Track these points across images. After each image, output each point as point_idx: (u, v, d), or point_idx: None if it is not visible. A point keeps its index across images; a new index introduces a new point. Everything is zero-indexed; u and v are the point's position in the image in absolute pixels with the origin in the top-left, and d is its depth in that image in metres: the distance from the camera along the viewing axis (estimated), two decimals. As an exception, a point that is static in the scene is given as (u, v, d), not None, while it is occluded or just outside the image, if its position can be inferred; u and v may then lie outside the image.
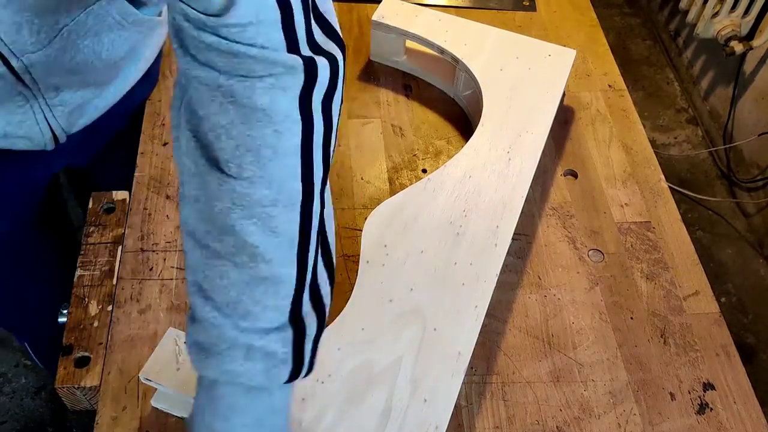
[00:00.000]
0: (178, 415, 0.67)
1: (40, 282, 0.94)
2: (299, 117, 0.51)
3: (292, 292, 0.53)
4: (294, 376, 0.53)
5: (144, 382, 0.64)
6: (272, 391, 0.53)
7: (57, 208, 0.98)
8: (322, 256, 0.55)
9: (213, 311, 0.51)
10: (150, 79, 0.92)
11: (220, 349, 0.51)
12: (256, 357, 0.51)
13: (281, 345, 0.52)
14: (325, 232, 0.55)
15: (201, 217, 0.52)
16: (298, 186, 0.52)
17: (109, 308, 0.75)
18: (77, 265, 0.79)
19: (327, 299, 0.56)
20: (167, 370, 0.64)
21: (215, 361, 0.51)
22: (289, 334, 0.52)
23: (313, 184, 0.53)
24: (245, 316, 0.51)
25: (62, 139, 0.77)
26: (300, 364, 0.53)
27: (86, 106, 0.77)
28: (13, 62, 0.64)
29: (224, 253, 0.51)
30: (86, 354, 0.72)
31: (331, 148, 0.55)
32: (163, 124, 0.93)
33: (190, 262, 0.53)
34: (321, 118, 0.53)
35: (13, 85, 0.66)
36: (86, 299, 0.76)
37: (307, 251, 0.53)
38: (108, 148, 0.94)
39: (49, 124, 0.73)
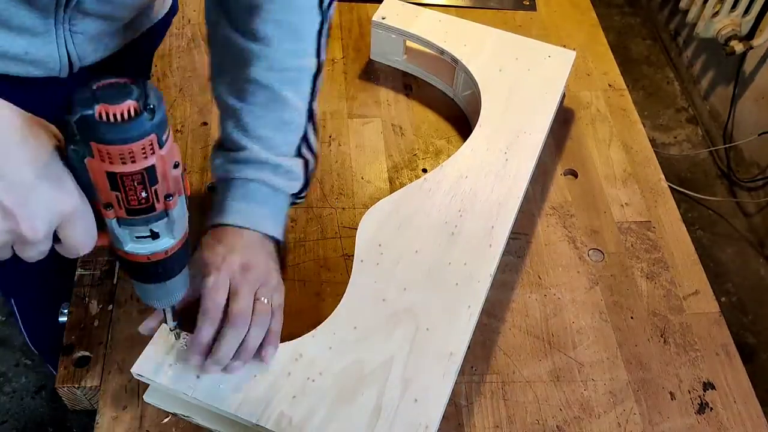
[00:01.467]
0: (170, 411, 0.67)
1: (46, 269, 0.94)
2: (319, 12, 0.73)
3: (302, 134, 0.74)
4: (301, 191, 0.75)
5: (136, 377, 0.64)
6: (286, 196, 0.73)
7: None
8: (315, 115, 0.76)
9: (250, 142, 0.71)
10: (157, 32, 0.97)
11: (256, 164, 0.71)
12: (280, 172, 0.72)
13: (297, 167, 0.74)
14: (316, 97, 0.77)
15: (235, 84, 0.73)
16: (314, 61, 0.74)
17: (110, 308, 0.76)
18: (77, 264, 0.79)
19: (314, 144, 0.77)
20: (160, 366, 0.64)
21: (253, 169, 0.71)
22: (300, 161, 0.74)
23: (321, 61, 0.75)
24: (272, 147, 0.72)
25: (76, 67, 0.79)
26: (306, 184, 0.75)
27: (104, 37, 0.80)
28: None
29: (261, 103, 0.72)
30: (86, 353, 0.72)
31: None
32: (164, 124, 0.93)
33: (230, 112, 0.73)
34: (328, 13, 0.75)
35: (50, 4, 0.69)
36: (87, 299, 0.76)
37: (312, 108, 0.75)
38: None
39: (67, 50, 0.76)
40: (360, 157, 0.93)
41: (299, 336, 0.68)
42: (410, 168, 0.92)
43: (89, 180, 0.47)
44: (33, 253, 0.48)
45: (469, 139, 0.87)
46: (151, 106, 0.45)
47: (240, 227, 0.69)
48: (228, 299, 0.65)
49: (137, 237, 0.51)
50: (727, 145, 2.02)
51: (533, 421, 0.70)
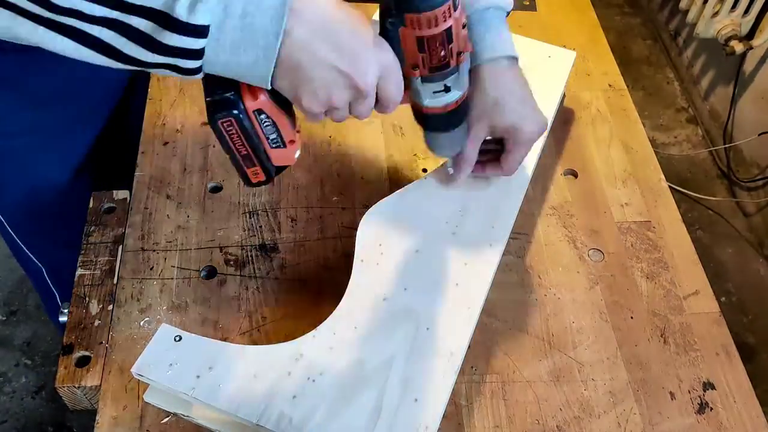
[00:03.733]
0: (171, 411, 0.67)
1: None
2: None
3: None
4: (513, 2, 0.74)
5: (136, 377, 0.64)
6: (505, 13, 0.74)
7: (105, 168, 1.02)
8: None
9: None
10: None
11: None
12: None
13: None
14: None
15: None
16: None
17: (110, 308, 0.76)
18: (78, 264, 0.79)
19: None
20: (159, 365, 0.64)
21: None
22: None
23: None
24: None
25: None
26: None
27: None
28: None
29: None
30: (87, 353, 0.72)
31: None
32: (164, 124, 0.93)
33: None
34: None
35: None
36: (87, 298, 0.76)
37: None
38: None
39: None
40: (360, 158, 0.93)
41: (299, 336, 0.68)
42: (410, 168, 0.92)
43: (399, 47, 0.59)
44: (364, 109, 0.61)
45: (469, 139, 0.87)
46: None
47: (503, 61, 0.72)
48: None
49: (434, 92, 0.63)
50: (727, 145, 2.02)
51: (533, 421, 0.70)
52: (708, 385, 0.75)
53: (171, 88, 0.98)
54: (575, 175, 0.93)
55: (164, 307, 0.76)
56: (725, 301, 1.80)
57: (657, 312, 0.80)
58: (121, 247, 0.81)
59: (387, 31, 0.59)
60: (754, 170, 1.94)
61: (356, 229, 0.76)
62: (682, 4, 2.03)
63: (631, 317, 0.79)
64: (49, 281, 1.12)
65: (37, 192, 0.95)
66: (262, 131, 0.60)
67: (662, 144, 2.14)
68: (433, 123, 0.67)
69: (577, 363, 0.75)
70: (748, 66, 1.93)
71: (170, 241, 0.81)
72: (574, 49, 0.99)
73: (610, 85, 1.05)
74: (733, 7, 1.85)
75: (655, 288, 0.82)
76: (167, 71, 0.54)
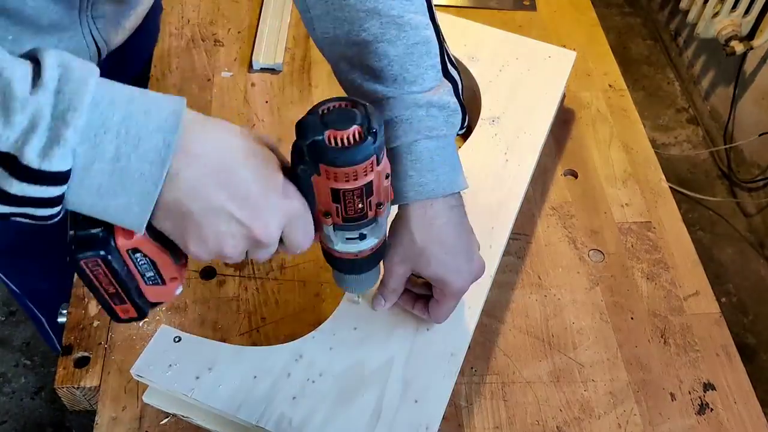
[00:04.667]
0: (170, 412, 0.67)
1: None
2: None
3: (438, 49, 0.62)
4: (462, 122, 0.63)
5: (135, 377, 0.64)
6: (450, 139, 0.62)
7: None
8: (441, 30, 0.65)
9: (384, 88, 0.60)
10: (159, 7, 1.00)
11: (405, 116, 0.59)
12: (434, 111, 0.60)
13: (449, 96, 0.61)
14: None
15: (338, 23, 0.60)
16: None
17: (109, 308, 0.75)
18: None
19: (453, 56, 0.66)
20: (159, 366, 0.64)
21: (407, 126, 0.60)
22: (449, 86, 0.62)
23: None
24: (413, 82, 0.60)
25: (103, 53, 0.79)
26: (463, 111, 0.63)
27: (121, 19, 0.80)
28: None
29: (374, 38, 0.59)
30: (86, 354, 0.72)
31: None
32: (163, 124, 0.93)
33: (346, 63, 0.62)
34: None
35: None
36: (86, 299, 0.76)
37: (434, 14, 0.64)
38: None
39: (93, 37, 0.75)
40: (360, 158, 0.92)
41: (299, 337, 0.67)
42: (410, 168, 0.92)
43: (312, 193, 0.52)
44: (265, 256, 0.53)
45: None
46: (374, 130, 0.49)
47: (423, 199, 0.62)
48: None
49: (347, 239, 0.57)
50: (727, 146, 2.02)
51: (533, 421, 0.70)
52: (708, 386, 0.74)
53: (171, 89, 0.98)
54: (575, 175, 0.93)
55: (164, 308, 0.76)
56: (725, 301, 1.80)
57: (657, 313, 0.80)
58: (120, 247, 0.80)
59: (297, 176, 0.51)
60: (755, 170, 1.94)
61: (356, 230, 0.75)
62: (683, 4, 2.03)
63: (632, 318, 0.79)
64: (32, 306, 1.11)
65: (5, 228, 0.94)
66: (137, 270, 0.51)
67: (662, 144, 2.14)
68: (344, 267, 0.61)
69: (578, 364, 0.75)
70: (749, 66, 1.93)
71: (170, 242, 0.81)
72: (574, 49, 0.99)
73: (610, 85, 1.05)
74: (734, 7, 1.85)
75: (656, 289, 0.82)
76: (18, 218, 0.44)
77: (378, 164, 0.51)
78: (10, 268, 1.01)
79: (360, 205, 0.52)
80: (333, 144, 0.49)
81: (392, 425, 0.62)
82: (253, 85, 0.99)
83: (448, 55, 0.64)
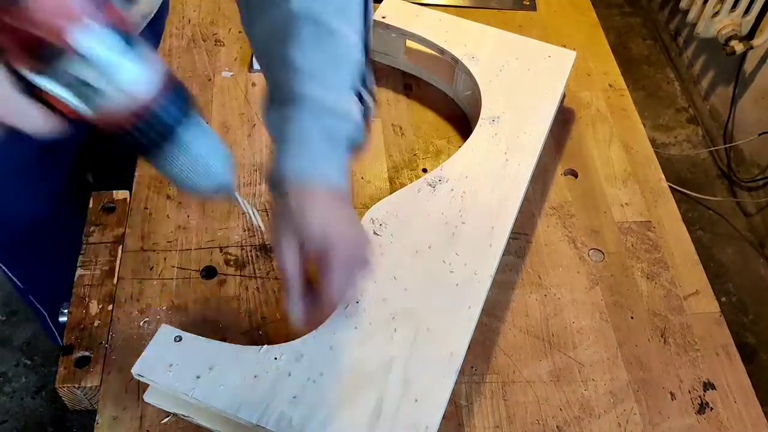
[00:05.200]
0: (171, 411, 0.67)
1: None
2: None
3: (358, 69, 0.63)
4: (356, 142, 0.63)
5: (136, 377, 0.64)
6: (342, 142, 0.61)
7: (83, 187, 1.00)
8: (369, 51, 0.66)
9: (304, 86, 0.59)
10: (157, 35, 1.00)
11: (314, 109, 0.60)
12: (340, 117, 0.61)
13: (357, 112, 0.62)
14: (370, 29, 0.66)
15: (273, 27, 0.61)
16: None
17: (110, 308, 0.76)
18: (78, 264, 0.79)
19: (372, 84, 0.66)
20: (159, 366, 0.64)
21: (309, 116, 0.59)
22: (359, 106, 0.63)
23: None
24: (331, 88, 0.60)
25: None
26: (365, 134, 0.64)
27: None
28: None
29: (307, 43, 0.60)
30: (86, 354, 0.72)
31: None
32: (164, 124, 0.93)
33: (273, 57, 0.62)
34: None
35: None
36: (87, 299, 0.76)
37: (366, 41, 0.64)
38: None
39: None
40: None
41: (300, 336, 0.67)
42: (410, 168, 0.92)
43: None
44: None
45: (469, 139, 0.87)
46: None
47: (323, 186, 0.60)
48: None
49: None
50: (727, 145, 2.02)
51: (533, 421, 0.70)
52: (708, 385, 0.75)
53: (171, 88, 0.98)
54: (575, 175, 0.93)
55: (164, 308, 0.76)
56: (725, 301, 1.80)
57: (657, 312, 0.80)
58: (121, 247, 0.81)
59: None
60: (755, 170, 1.94)
61: (356, 229, 0.75)
62: (682, 4, 2.03)
63: (632, 317, 0.79)
64: (34, 300, 1.12)
65: (9, 224, 0.94)
66: None
67: (662, 144, 2.14)
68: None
69: (578, 363, 0.75)
70: (749, 66, 1.93)
71: (170, 241, 0.81)
72: (574, 49, 0.99)
73: (610, 85, 1.05)
74: (734, 7, 1.85)
75: (656, 288, 0.82)
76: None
77: None
78: (15, 259, 1.02)
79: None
80: None
81: (392, 425, 0.62)
82: (253, 84, 0.99)
83: (365, 83, 0.64)
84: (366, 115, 0.64)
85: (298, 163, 0.59)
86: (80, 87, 0.42)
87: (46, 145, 0.86)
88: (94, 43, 0.41)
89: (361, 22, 0.63)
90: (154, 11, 0.89)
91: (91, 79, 0.42)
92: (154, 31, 0.96)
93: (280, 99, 0.61)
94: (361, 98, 0.64)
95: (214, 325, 0.75)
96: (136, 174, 0.87)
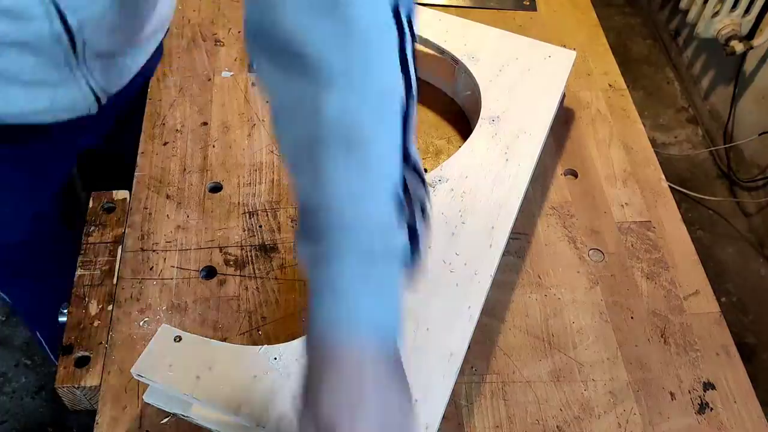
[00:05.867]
0: (170, 412, 0.67)
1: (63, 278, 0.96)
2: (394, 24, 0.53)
3: (395, 179, 0.49)
4: (411, 253, 0.49)
5: (136, 377, 0.64)
6: (383, 266, 0.47)
7: (74, 205, 0.99)
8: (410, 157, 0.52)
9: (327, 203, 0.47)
10: (160, 49, 0.96)
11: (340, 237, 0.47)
12: (376, 233, 0.47)
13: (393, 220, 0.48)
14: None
15: (297, 128, 0.50)
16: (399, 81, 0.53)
17: (110, 308, 0.75)
18: (77, 264, 0.79)
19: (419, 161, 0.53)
20: (159, 366, 0.64)
21: (336, 249, 0.46)
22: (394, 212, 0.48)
23: (410, 81, 0.54)
24: (358, 202, 0.47)
25: (103, 100, 0.78)
26: (415, 240, 0.50)
27: (120, 66, 0.79)
28: (70, 19, 0.64)
29: (335, 147, 0.48)
30: (86, 354, 0.72)
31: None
32: (163, 124, 0.93)
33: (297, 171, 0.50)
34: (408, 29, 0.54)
35: (64, 49, 0.67)
36: (86, 299, 0.76)
37: (406, 147, 0.51)
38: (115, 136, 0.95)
39: (91, 87, 0.74)
40: (360, 157, 0.92)
41: (299, 336, 0.67)
42: (410, 168, 0.92)
43: None
44: None
45: (469, 139, 0.87)
46: None
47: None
48: None
49: None
50: (727, 145, 2.02)
51: (533, 421, 0.70)
52: (708, 386, 0.75)
53: (171, 89, 0.98)
54: (575, 175, 0.93)
55: (164, 308, 0.76)
56: (725, 301, 1.80)
57: (657, 312, 0.80)
58: (120, 247, 0.81)
59: None
60: (755, 170, 1.94)
61: (356, 229, 0.75)
62: (682, 4, 2.03)
63: (632, 317, 0.79)
64: (26, 321, 1.11)
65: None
66: None
67: (662, 144, 2.14)
68: None
69: (577, 363, 0.75)
70: (749, 66, 1.93)
71: (170, 241, 0.81)
72: (574, 49, 0.99)
73: (610, 85, 1.05)
74: (734, 7, 1.85)
75: (656, 288, 0.82)
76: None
77: None
78: (5, 280, 1.01)
79: None
80: None
81: (392, 425, 0.62)
82: (253, 84, 0.99)
83: (418, 171, 0.51)
84: (413, 224, 0.50)
85: (333, 313, 0.45)
86: None
87: (36, 168, 0.86)
88: None
89: (400, 122, 0.52)
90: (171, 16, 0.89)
91: None
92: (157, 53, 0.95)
93: (309, 230, 0.48)
94: (405, 206, 0.50)
95: (214, 325, 0.75)
96: (136, 174, 0.87)
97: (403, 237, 0.48)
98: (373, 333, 0.45)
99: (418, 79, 0.56)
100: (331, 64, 0.48)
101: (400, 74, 0.53)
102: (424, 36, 0.98)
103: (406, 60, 0.55)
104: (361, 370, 0.44)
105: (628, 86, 1.06)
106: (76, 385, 0.70)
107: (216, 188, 0.87)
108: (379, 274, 0.46)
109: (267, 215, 0.85)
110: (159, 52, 0.99)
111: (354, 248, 0.46)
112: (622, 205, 0.90)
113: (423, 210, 0.52)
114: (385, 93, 0.51)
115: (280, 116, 0.52)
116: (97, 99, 0.77)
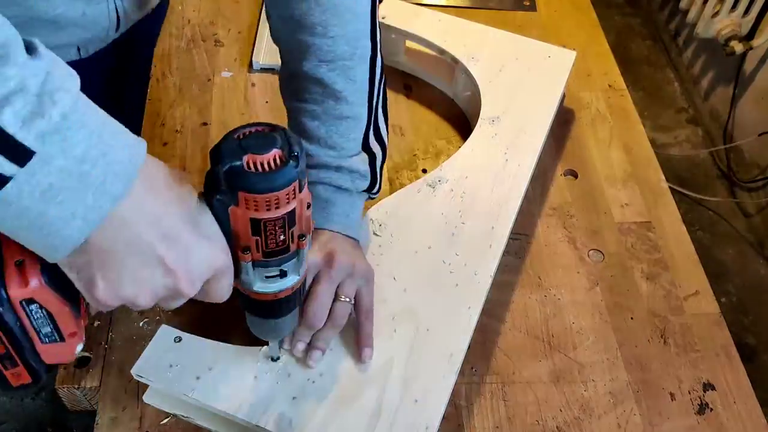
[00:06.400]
0: (170, 412, 0.67)
1: None
2: None
3: (364, 126, 0.70)
4: (370, 188, 0.71)
5: (136, 378, 0.64)
6: (353, 194, 0.69)
7: None
8: (382, 100, 0.73)
9: (309, 145, 0.68)
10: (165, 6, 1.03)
11: (317, 167, 0.68)
12: (344, 172, 0.68)
13: (362, 164, 0.70)
14: (383, 82, 0.73)
15: (291, 83, 0.70)
16: (368, 43, 0.69)
17: (109, 308, 0.75)
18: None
19: (385, 134, 0.74)
20: (159, 366, 0.64)
21: (314, 173, 0.67)
22: (365, 157, 0.71)
23: (377, 42, 0.70)
24: (333, 147, 0.68)
25: (122, 25, 0.80)
26: (374, 181, 0.72)
27: None
28: None
29: (315, 100, 0.68)
30: (86, 354, 0.72)
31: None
32: (163, 124, 0.93)
33: (289, 114, 0.71)
34: None
35: None
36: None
37: (373, 95, 0.70)
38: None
39: (116, 5, 0.77)
40: (360, 158, 0.92)
41: (299, 336, 0.67)
42: (410, 168, 0.92)
43: (229, 227, 0.48)
44: (176, 305, 0.50)
45: (469, 139, 0.87)
46: (295, 153, 0.46)
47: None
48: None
49: (267, 277, 0.52)
50: (727, 146, 2.02)
51: (533, 421, 0.70)
52: (708, 386, 0.75)
53: (171, 89, 0.98)
54: (575, 175, 0.93)
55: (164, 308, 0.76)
56: (725, 301, 1.80)
57: (657, 313, 0.80)
58: (120, 247, 0.80)
59: (213, 207, 0.47)
60: (755, 170, 1.94)
61: (356, 230, 0.75)
62: (682, 4, 2.03)
63: (632, 318, 0.79)
64: None
65: None
66: (32, 325, 0.45)
67: (662, 144, 2.14)
68: (261, 310, 0.57)
69: (577, 364, 0.75)
70: (748, 66, 1.93)
71: (170, 242, 0.81)
72: (574, 49, 0.99)
73: (610, 85, 1.05)
74: (733, 7, 1.85)
75: (656, 289, 0.82)
76: None
77: (300, 191, 0.47)
78: None
79: (282, 237, 0.48)
80: (252, 169, 0.45)
81: (392, 425, 0.62)
82: (253, 85, 0.99)
83: (377, 129, 0.72)
84: (373, 162, 0.71)
85: (320, 218, 0.67)
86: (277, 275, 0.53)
87: None
88: (308, 247, 0.53)
89: (368, 78, 0.70)
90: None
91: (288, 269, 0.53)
92: (158, 14, 0.96)
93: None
94: (370, 150, 0.71)
95: (214, 325, 0.75)
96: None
97: (367, 179, 0.70)
98: (340, 227, 0.68)
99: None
100: (325, 30, 0.66)
101: (369, 39, 0.69)
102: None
103: (375, 25, 0.70)
104: (333, 236, 0.67)
105: (628, 87, 1.06)
106: (76, 386, 0.70)
107: (216, 188, 0.87)
108: (346, 199, 0.69)
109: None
110: (162, 14, 1.03)
111: (333, 183, 0.68)
112: (622, 206, 0.90)
113: (382, 145, 0.73)
114: (355, 56, 0.68)
115: (285, 67, 0.72)
116: (117, 20, 0.79)
